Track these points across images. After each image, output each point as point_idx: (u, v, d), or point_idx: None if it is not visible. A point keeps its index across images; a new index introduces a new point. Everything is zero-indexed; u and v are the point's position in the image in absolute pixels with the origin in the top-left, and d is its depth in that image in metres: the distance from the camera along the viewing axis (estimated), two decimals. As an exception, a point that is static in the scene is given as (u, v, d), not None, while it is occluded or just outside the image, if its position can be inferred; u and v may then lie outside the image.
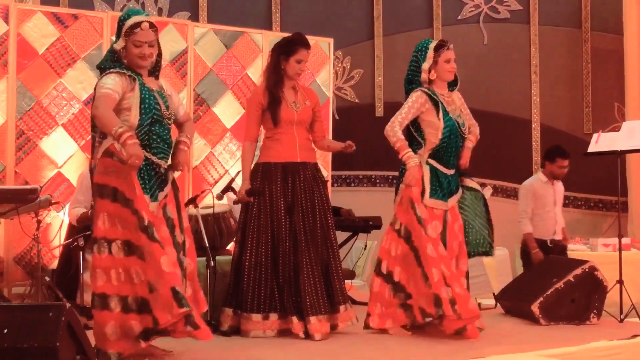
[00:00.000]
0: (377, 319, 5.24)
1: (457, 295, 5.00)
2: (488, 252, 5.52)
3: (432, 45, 5.32)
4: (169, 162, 4.54)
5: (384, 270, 5.25)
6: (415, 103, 5.22)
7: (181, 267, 4.40)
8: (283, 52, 5.33)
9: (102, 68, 4.47)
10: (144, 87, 4.43)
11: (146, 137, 4.39)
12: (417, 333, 5.21)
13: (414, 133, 5.28)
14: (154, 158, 4.41)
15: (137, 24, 4.39)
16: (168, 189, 4.51)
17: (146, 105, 4.39)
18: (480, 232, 5.44)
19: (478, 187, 5.54)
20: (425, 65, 5.27)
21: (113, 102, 4.32)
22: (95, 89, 4.41)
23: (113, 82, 4.33)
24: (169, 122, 4.53)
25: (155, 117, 4.42)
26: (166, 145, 4.49)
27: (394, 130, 5.20)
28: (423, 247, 5.05)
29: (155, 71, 4.59)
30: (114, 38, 4.55)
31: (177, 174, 4.71)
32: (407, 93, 5.34)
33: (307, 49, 5.36)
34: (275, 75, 5.33)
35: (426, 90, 5.25)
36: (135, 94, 4.38)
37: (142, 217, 4.23)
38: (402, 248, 5.19)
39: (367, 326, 5.27)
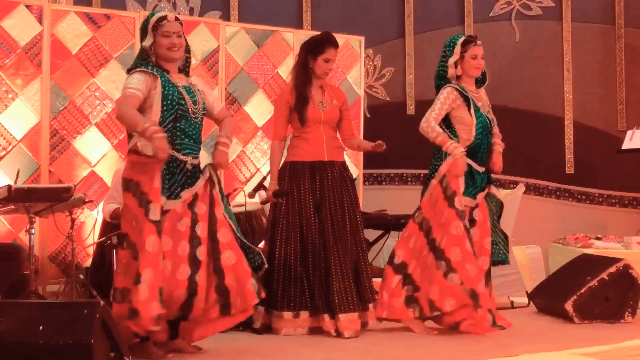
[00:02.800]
0: (378, 308, 5.25)
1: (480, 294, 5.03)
2: (504, 261, 5.49)
3: (460, 40, 5.31)
4: (198, 158, 4.56)
5: (397, 260, 5.27)
6: (447, 99, 5.21)
7: (195, 261, 4.40)
8: (311, 51, 5.34)
9: (130, 69, 4.54)
10: (168, 83, 4.46)
11: (169, 133, 4.40)
12: (445, 331, 5.20)
13: (445, 130, 5.26)
14: (178, 155, 4.44)
15: (163, 17, 4.50)
16: (198, 186, 4.50)
17: (169, 102, 4.42)
18: (496, 240, 5.42)
19: (500, 196, 5.53)
20: (451, 60, 5.28)
21: (137, 101, 4.38)
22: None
23: (137, 81, 4.39)
24: (197, 117, 4.54)
25: (179, 112, 4.45)
26: (192, 141, 4.51)
27: (432, 126, 5.19)
28: (451, 242, 5.04)
29: (185, 68, 4.63)
30: (141, 38, 4.60)
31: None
32: (437, 89, 5.34)
33: (335, 48, 5.36)
34: (304, 75, 5.34)
35: (456, 86, 5.24)
36: (157, 90, 4.42)
37: (149, 209, 4.26)
38: (420, 241, 5.19)
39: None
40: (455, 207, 5.09)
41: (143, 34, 4.54)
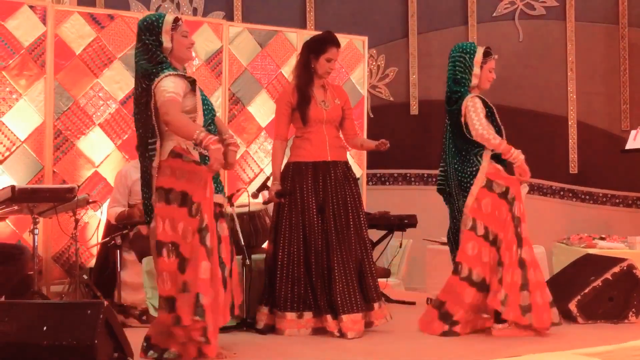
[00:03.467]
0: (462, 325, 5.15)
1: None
2: None
3: (480, 51, 5.27)
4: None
5: (476, 279, 5.11)
6: (480, 108, 5.17)
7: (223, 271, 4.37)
8: (313, 51, 5.33)
9: (153, 72, 4.37)
10: (199, 89, 4.44)
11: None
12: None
13: (469, 137, 5.21)
14: None
15: (178, 18, 4.45)
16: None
17: (205, 107, 4.41)
18: None
19: None
20: (477, 71, 5.23)
21: (179, 106, 4.28)
22: (154, 92, 4.31)
23: (175, 85, 4.29)
24: (214, 118, 4.56)
25: (210, 116, 4.44)
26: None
27: (492, 133, 5.14)
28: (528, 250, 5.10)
29: (185, 69, 4.62)
30: (148, 39, 4.42)
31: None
32: (454, 94, 5.25)
33: (337, 48, 5.35)
34: (306, 74, 5.33)
35: (481, 97, 5.23)
36: (197, 95, 4.38)
37: (203, 219, 4.21)
38: (493, 254, 5.12)
39: (452, 332, 5.12)
40: (513, 213, 5.10)
41: (155, 35, 4.39)
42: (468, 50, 5.28)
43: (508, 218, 5.10)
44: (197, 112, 4.35)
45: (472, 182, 5.19)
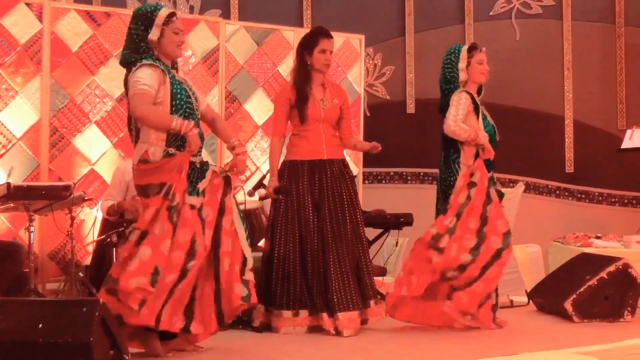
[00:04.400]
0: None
1: None
2: None
3: (465, 47, 5.34)
4: (202, 156, 4.53)
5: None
6: (464, 103, 5.21)
7: (192, 253, 4.31)
8: (305, 47, 5.36)
9: (131, 61, 4.38)
10: (174, 81, 4.39)
11: (179, 135, 4.33)
12: (444, 330, 5.21)
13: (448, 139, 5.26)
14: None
15: (173, 14, 4.42)
16: (205, 182, 4.44)
17: (177, 101, 4.36)
18: None
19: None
20: (462, 65, 5.27)
21: (150, 99, 4.28)
22: (127, 83, 4.34)
23: (147, 76, 4.28)
24: (199, 114, 4.53)
25: (187, 111, 4.40)
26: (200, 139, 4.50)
27: (460, 125, 5.17)
28: None
29: (175, 64, 4.59)
30: (137, 29, 4.40)
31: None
32: (446, 92, 5.32)
33: (328, 38, 5.37)
34: (303, 72, 5.35)
35: (469, 92, 5.26)
36: (167, 87, 4.34)
37: (174, 198, 4.23)
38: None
39: None
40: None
41: (143, 24, 4.38)
42: (453, 50, 5.38)
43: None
44: (162, 106, 4.32)
45: (451, 192, 5.23)
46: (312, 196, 5.25)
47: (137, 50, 4.38)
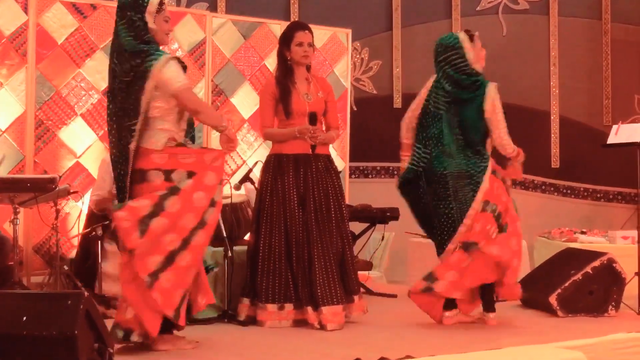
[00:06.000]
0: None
1: None
2: None
3: (465, 37, 5.28)
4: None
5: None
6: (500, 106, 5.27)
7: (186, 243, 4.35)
8: (283, 43, 5.41)
9: (144, 50, 4.32)
10: None
11: (185, 124, 4.51)
12: (430, 324, 5.22)
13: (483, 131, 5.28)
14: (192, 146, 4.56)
15: (163, 1, 4.42)
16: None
17: None
18: None
19: None
20: (470, 55, 5.26)
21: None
22: (152, 74, 4.26)
23: (181, 71, 4.37)
24: None
25: None
26: (191, 129, 4.66)
27: (511, 144, 5.32)
28: None
29: None
30: (135, 17, 4.36)
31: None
32: (474, 83, 5.22)
33: (304, 30, 5.38)
34: (284, 68, 5.38)
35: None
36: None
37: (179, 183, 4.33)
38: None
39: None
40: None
41: (135, 11, 4.34)
42: (454, 43, 5.26)
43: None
44: None
45: (482, 177, 5.19)
46: (297, 190, 5.25)
47: (140, 37, 4.34)
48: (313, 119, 5.30)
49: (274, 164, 5.32)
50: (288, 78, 5.34)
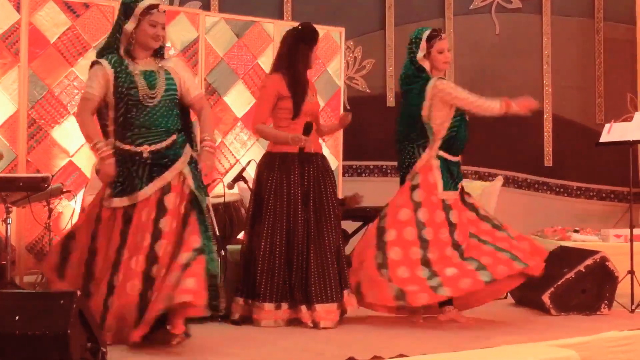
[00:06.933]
0: None
1: None
2: None
3: (425, 34, 5.31)
4: (164, 142, 4.51)
5: None
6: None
7: (153, 254, 4.36)
8: (308, 42, 5.33)
9: (99, 54, 4.53)
10: (122, 73, 4.44)
11: (120, 127, 4.46)
12: (423, 323, 5.23)
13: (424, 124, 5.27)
14: (130, 147, 4.44)
15: (154, 6, 4.43)
16: (168, 176, 4.46)
17: (119, 95, 4.45)
18: None
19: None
20: (420, 55, 5.27)
21: (93, 104, 4.49)
22: None
23: (94, 79, 4.43)
24: (152, 102, 4.49)
25: (130, 103, 4.44)
26: (144, 129, 4.47)
27: (481, 97, 5.27)
28: None
29: (160, 51, 4.60)
30: (119, 20, 4.54)
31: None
32: (415, 79, 5.29)
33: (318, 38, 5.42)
34: (304, 66, 5.33)
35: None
36: (112, 84, 4.46)
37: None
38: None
39: None
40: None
41: (125, 15, 4.46)
42: (414, 38, 5.38)
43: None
44: (109, 105, 4.51)
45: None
46: (301, 189, 5.25)
47: (109, 41, 4.52)
48: (308, 129, 5.26)
49: (280, 161, 5.28)
50: (306, 76, 5.36)
